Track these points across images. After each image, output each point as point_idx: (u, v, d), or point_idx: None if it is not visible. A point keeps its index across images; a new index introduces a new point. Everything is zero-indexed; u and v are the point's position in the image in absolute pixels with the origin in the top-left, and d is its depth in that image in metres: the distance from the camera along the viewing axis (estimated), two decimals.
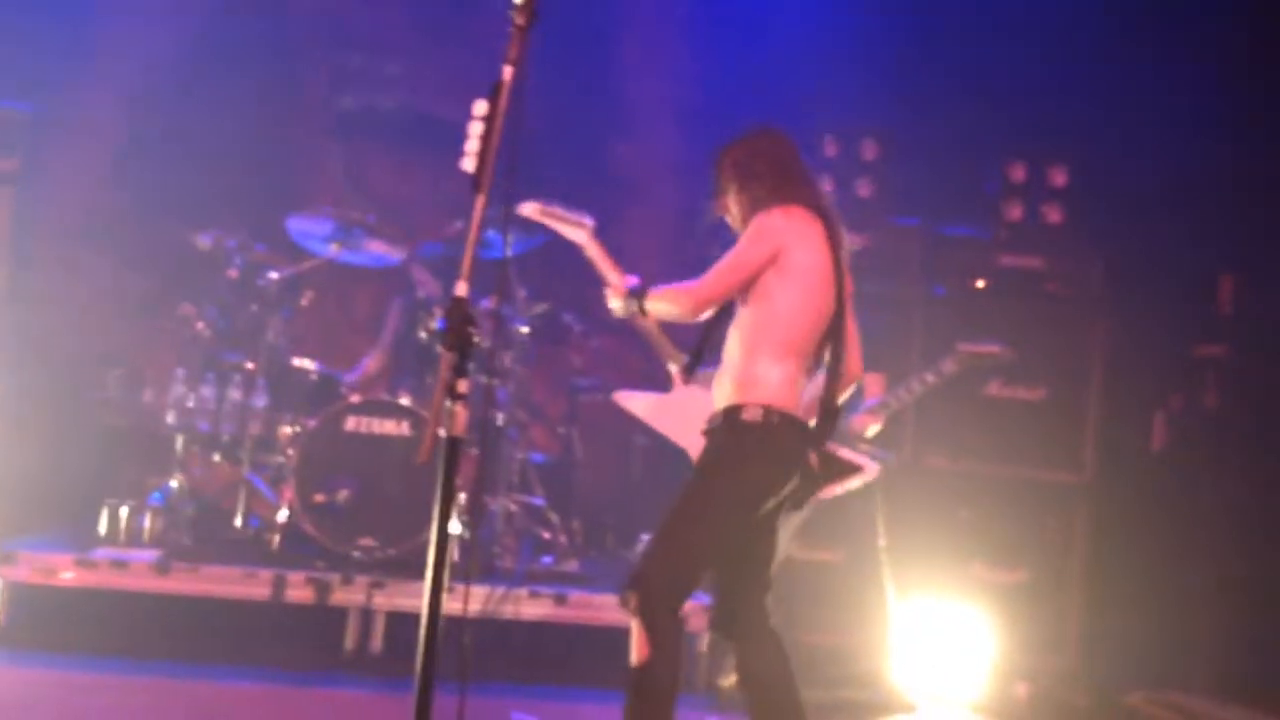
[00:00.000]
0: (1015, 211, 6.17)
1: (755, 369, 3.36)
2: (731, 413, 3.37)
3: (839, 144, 6.19)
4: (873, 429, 5.33)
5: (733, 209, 3.62)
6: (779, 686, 3.52)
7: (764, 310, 3.39)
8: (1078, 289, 6.17)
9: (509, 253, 5.65)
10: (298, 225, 5.72)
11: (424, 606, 2.52)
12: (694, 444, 3.56)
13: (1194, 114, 6.04)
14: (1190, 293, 6.37)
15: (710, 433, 3.43)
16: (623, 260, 3.66)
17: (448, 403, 2.15)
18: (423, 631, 2.46)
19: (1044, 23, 6.39)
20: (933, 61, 6.44)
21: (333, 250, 5.68)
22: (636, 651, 3.27)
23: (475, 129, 2.21)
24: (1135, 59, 6.13)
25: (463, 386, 2.14)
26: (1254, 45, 5.99)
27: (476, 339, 2.17)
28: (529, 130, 2.33)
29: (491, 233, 5.92)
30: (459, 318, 2.12)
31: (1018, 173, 6.18)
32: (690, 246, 5.47)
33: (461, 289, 2.16)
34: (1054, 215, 6.14)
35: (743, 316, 3.43)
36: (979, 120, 6.39)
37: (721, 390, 3.44)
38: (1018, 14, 6.36)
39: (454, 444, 2.34)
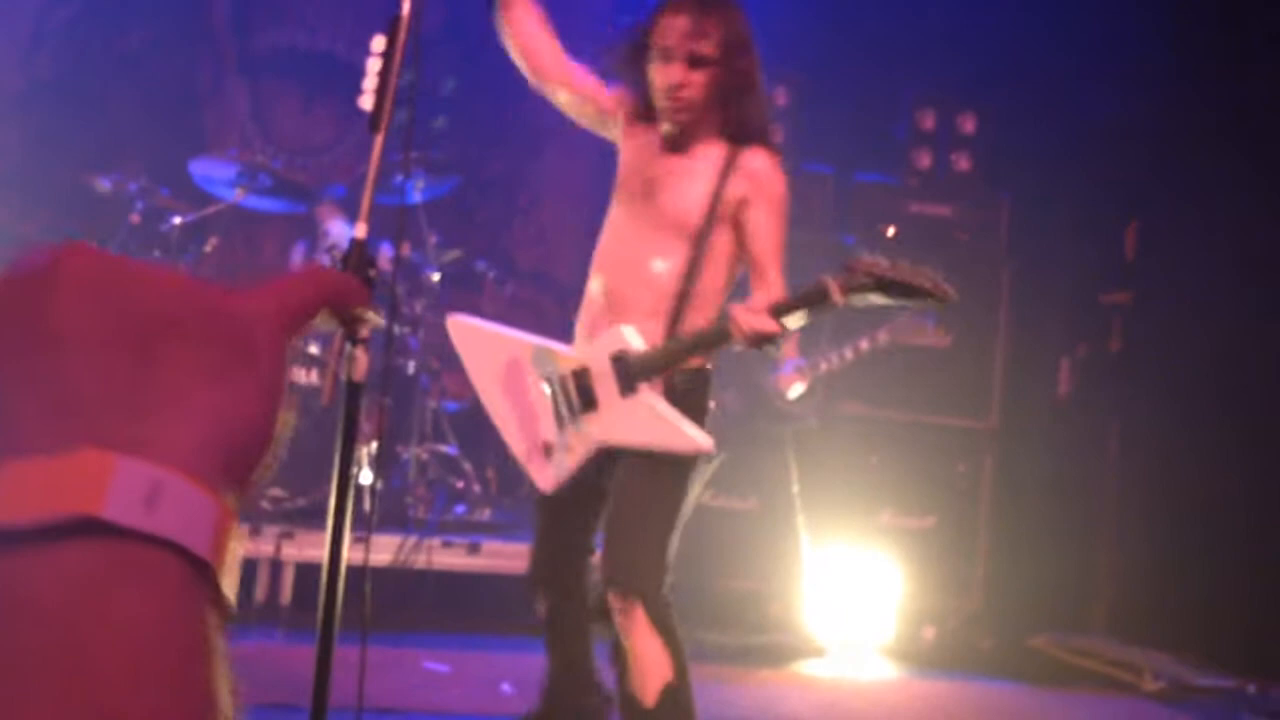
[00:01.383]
0: (925, 159, 6.20)
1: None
2: (702, 374, 3.08)
3: None
4: (797, 389, 5.36)
5: (693, 99, 2.99)
6: (580, 640, 3.21)
7: (729, 277, 3.10)
8: (986, 237, 6.24)
9: (417, 198, 5.57)
10: (201, 169, 5.59)
11: (325, 556, 2.49)
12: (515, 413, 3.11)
13: (1101, 63, 6.11)
14: (1096, 240, 6.47)
15: (682, 394, 3.02)
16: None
17: (348, 347, 2.11)
18: (324, 581, 2.43)
19: None
20: (845, 7, 6.42)
21: (237, 195, 5.55)
22: (652, 672, 2.85)
23: (373, 66, 2.16)
24: (1044, 7, 6.17)
25: (364, 331, 2.09)
26: None
27: (376, 281, 2.13)
28: (433, 70, 2.28)
29: (400, 177, 5.86)
30: (358, 260, 2.08)
31: (927, 120, 6.22)
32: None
33: (360, 230, 2.11)
34: (963, 163, 6.19)
35: (708, 277, 3.03)
36: (891, 67, 6.40)
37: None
38: None
39: (355, 390, 2.30)
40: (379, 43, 2.15)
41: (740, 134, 3.05)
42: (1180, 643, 5.65)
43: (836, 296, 2.79)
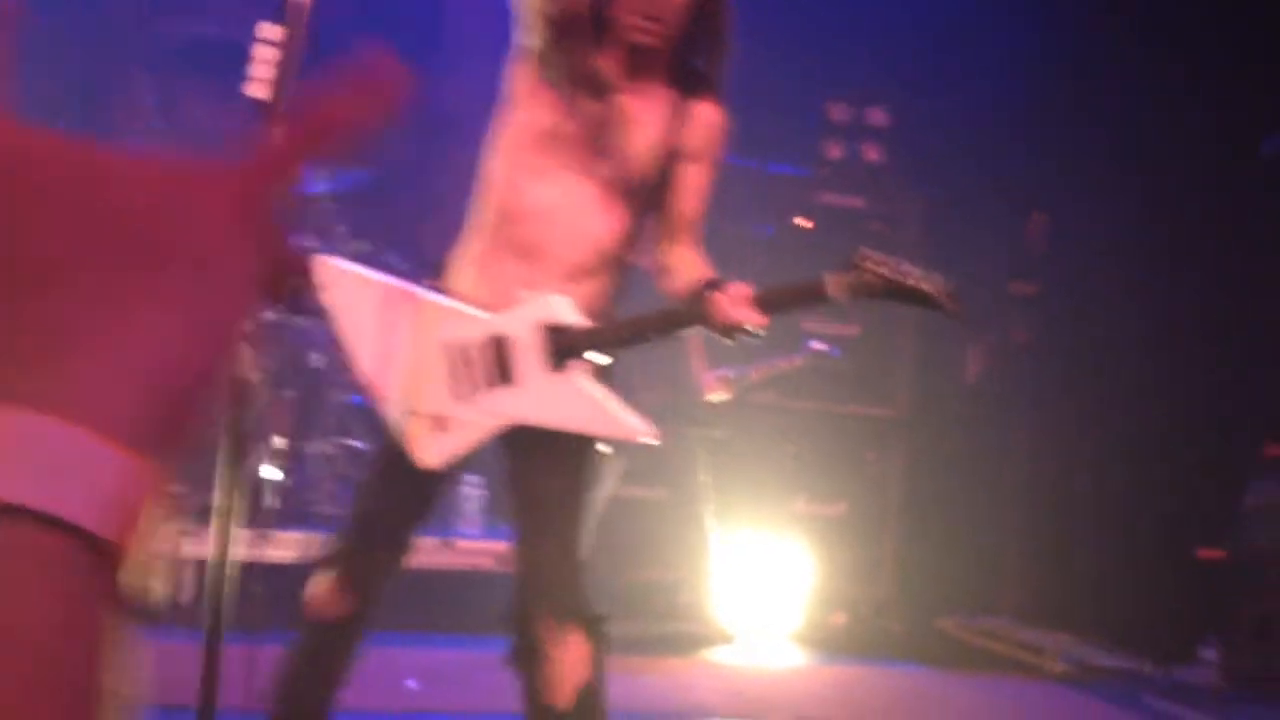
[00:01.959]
0: (835, 150, 6.25)
1: None
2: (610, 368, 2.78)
3: None
4: (719, 396, 5.42)
5: (670, 20, 2.65)
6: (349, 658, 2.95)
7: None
8: (898, 228, 6.31)
9: (321, 187, 5.52)
10: None
11: (210, 554, 2.47)
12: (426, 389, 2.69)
13: (1010, 55, 6.18)
14: (1004, 232, 6.55)
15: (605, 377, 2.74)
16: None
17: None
18: (209, 580, 2.40)
19: None
20: None
21: None
22: (571, 674, 2.65)
23: (262, 54, 2.14)
24: (953, 2, 6.24)
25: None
26: None
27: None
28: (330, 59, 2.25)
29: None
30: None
31: (838, 112, 6.26)
32: None
33: None
34: (873, 154, 6.25)
35: (620, 250, 2.76)
36: (800, 59, 6.44)
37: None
38: None
39: (241, 386, 2.27)
40: (269, 30, 2.12)
41: (693, 82, 2.74)
42: (1085, 625, 5.76)
43: (835, 295, 2.58)
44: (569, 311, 2.64)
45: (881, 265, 2.59)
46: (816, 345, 5.56)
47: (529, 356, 2.64)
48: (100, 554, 0.42)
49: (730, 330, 2.58)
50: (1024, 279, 6.52)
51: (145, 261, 0.40)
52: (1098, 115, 6.05)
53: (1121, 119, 5.97)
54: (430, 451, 2.69)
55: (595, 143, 2.67)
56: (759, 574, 5.56)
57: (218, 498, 2.41)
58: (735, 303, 2.56)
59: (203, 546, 4.95)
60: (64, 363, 0.39)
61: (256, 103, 2.18)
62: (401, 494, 2.78)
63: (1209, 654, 4.94)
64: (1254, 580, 4.82)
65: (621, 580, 5.61)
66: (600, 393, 2.65)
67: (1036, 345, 6.43)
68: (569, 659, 2.64)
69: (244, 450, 2.44)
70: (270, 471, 4.99)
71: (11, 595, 0.40)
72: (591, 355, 2.66)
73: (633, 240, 2.72)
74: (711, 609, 5.46)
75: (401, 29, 6.85)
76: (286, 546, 4.90)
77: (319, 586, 2.76)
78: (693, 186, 2.75)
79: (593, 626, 2.66)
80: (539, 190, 2.69)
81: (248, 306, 0.42)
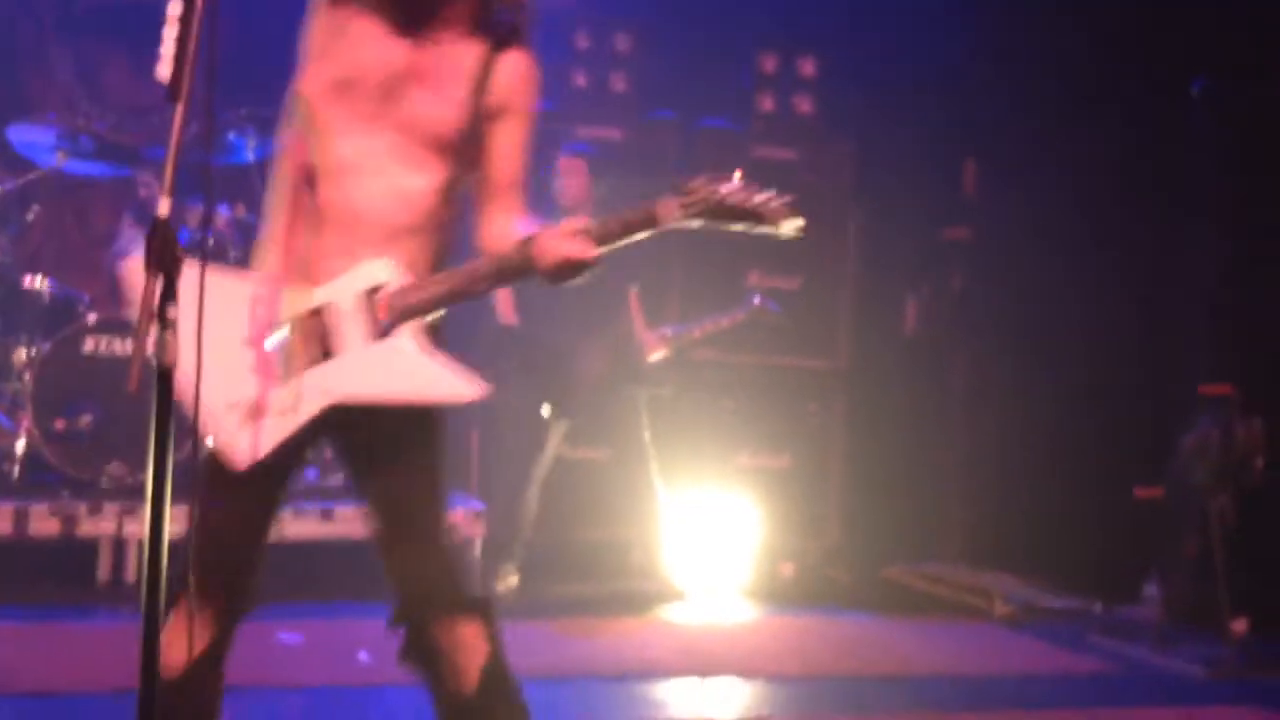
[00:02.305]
0: (767, 103, 6.23)
1: None
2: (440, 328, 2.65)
3: (592, 37, 6.13)
4: (658, 354, 5.41)
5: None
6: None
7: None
8: (830, 179, 6.31)
9: (250, 157, 5.41)
10: (20, 134, 5.34)
11: (145, 533, 2.39)
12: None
13: (938, 3, 6.17)
14: (937, 179, 6.58)
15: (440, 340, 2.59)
16: None
17: (157, 330, 2.01)
18: (145, 557, 2.30)
19: None
20: None
21: (59, 160, 5.32)
22: (470, 658, 2.52)
23: (169, 31, 2.05)
24: None
25: (173, 313, 2.00)
26: None
27: (181, 261, 2.02)
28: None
29: (233, 136, 5.67)
30: (162, 238, 1.98)
31: (769, 64, 6.23)
32: None
33: (164, 207, 2.01)
34: (804, 106, 6.23)
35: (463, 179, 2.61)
36: (731, 11, 6.39)
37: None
38: None
39: (165, 374, 2.19)
40: (175, 7, 2.04)
41: (499, 33, 2.59)
42: (1030, 567, 5.84)
43: (666, 219, 2.44)
44: (388, 272, 2.49)
45: (710, 191, 2.44)
46: (758, 300, 5.56)
47: (349, 326, 2.48)
48: None
49: (562, 269, 2.43)
50: (957, 224, 6.55)
51: None
52: (1029, 59, 6.07)
53: (1053, 63, 5.99)
54: (242, 446, 2.43)
55: (397, 100, 2.50)
56: (706, 530, 5.57)
57: (150, 473, 2.29)
58: (564, 239, 2.43)
59: (143, 527, 4.87)
60: None
61: (164, 83, 2.09)
62: (237, 507, 2.49)
63: (1152, 591, 5.03)
64: (1192, 517, 4.91)
65: (571, 541, 5.61)
66: (424, 354, 2.49)
67: (972, 292, 6.47)
68: (465, 645, 2.52)
69: (168, 443, 2.32)
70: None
71: None
72: (415, 316, 2.49)
73: (453, 198, 2.56)
74: (661, 567, 5.47)
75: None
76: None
77: (171, 635, 2.35)
78: (508, 145, 2.60)
79: (480, 607, 2.54)
80: (341, 146, 2.50)
81: None
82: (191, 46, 2.06)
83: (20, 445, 5.03)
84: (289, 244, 2.53)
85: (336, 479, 5.46)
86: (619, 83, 6.12)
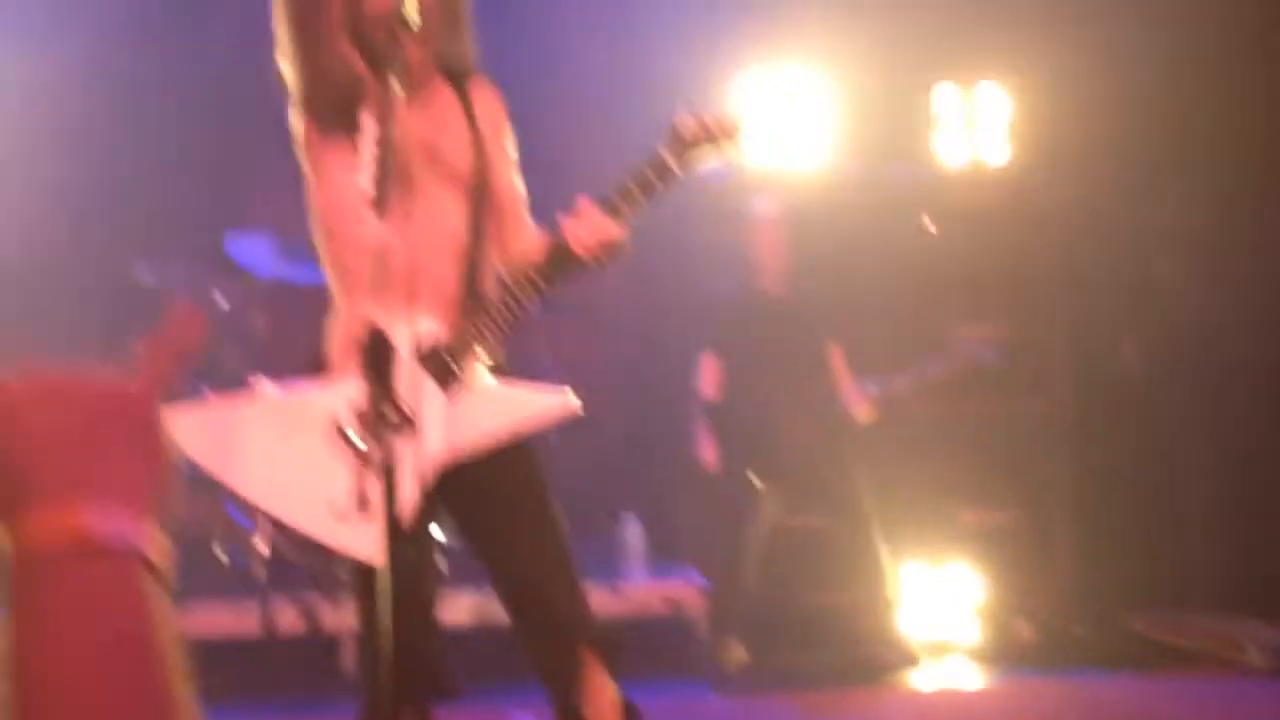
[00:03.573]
0: (958, 148, 6.12)
1: None
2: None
3: None
4: (866, 415, 5.30)
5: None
6: None
7: None
8: (1031, 221, 6.15)
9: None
10: (241, 247, 5.61)
11: (357, 624, 2.43)
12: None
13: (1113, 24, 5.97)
14: (1145, 210, 6.33)
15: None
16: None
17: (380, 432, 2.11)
18: (377, 651, 2.32)
19: None
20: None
21: (279, 268, 5.57)
22: (609, 705, 2.57)
23: (368, 149, 2.16)
24: None
25: (393, 414, 2.11)
26: None
27: (397, 363, 2.11)
28: None
29: None
30: (378, 346, 2.09)
31: (955, 104, 6.12)
32: None
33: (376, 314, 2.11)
34: (999, 148, 6.10)
35: (493, 229, 2.68)
36: (908, 44, 6.29)
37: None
38: None
39: (389, 474, 2.26)
40: (368, 121, 2.15)
41: (459, 67, 2.67)
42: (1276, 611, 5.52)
43: (676, 164, 2.50)
44: (432, 328, 2.51)
45: (699, 124, 2.54)
46: (968, 347, 5.42)
47: (421, 393, 2.45)
48: (156, 577, 0.86)
49: (597, 251, 2.48)
50: (1172, 257, 6.30)
51: (128, 423, 1.16)
52: None
53: None
54: (368, 543, 2.34)
55: (419, 161, 2.57)
56: (934, 590, 5.44)
57: (384, 569, 2.31)
58: (584, 221, 2.47)
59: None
60: (112, 473, 1.08)
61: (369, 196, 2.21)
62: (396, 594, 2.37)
63: None
64: None
65: (796, 609, 5.53)
66: (504, 388, 2.53)
67: (1193, 325, 6.20)
68: (603, 688, 2.54)
69: (396, 521, 2.35)
70: (438, 534, 5.01)
71: (114, 610, 0.85)
72: (476, 358, 2.53)
73: (482, 231, 2.61)
74: (891, 630, 5.34)
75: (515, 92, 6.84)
76: (460, 610, 4.93)
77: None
78: (501, 167, 2.67)
79: (605, 645, 2.57)
80: (371, 223, 2.39)
81: (163, 439, 0.96)
82: (390, 160, 2.15)
83: (260, 544, 5.23)
84: (348, 327, 2.63)
85: None
86: None
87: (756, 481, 5.27)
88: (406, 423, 2.38)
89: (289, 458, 2.43)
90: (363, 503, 2.36)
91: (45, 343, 6.18)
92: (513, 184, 2.71)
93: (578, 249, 2.48)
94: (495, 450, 2.51)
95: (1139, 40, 5.84)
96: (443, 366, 2.49)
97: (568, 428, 6.64)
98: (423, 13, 2.44)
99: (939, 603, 5.45)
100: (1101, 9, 5.76)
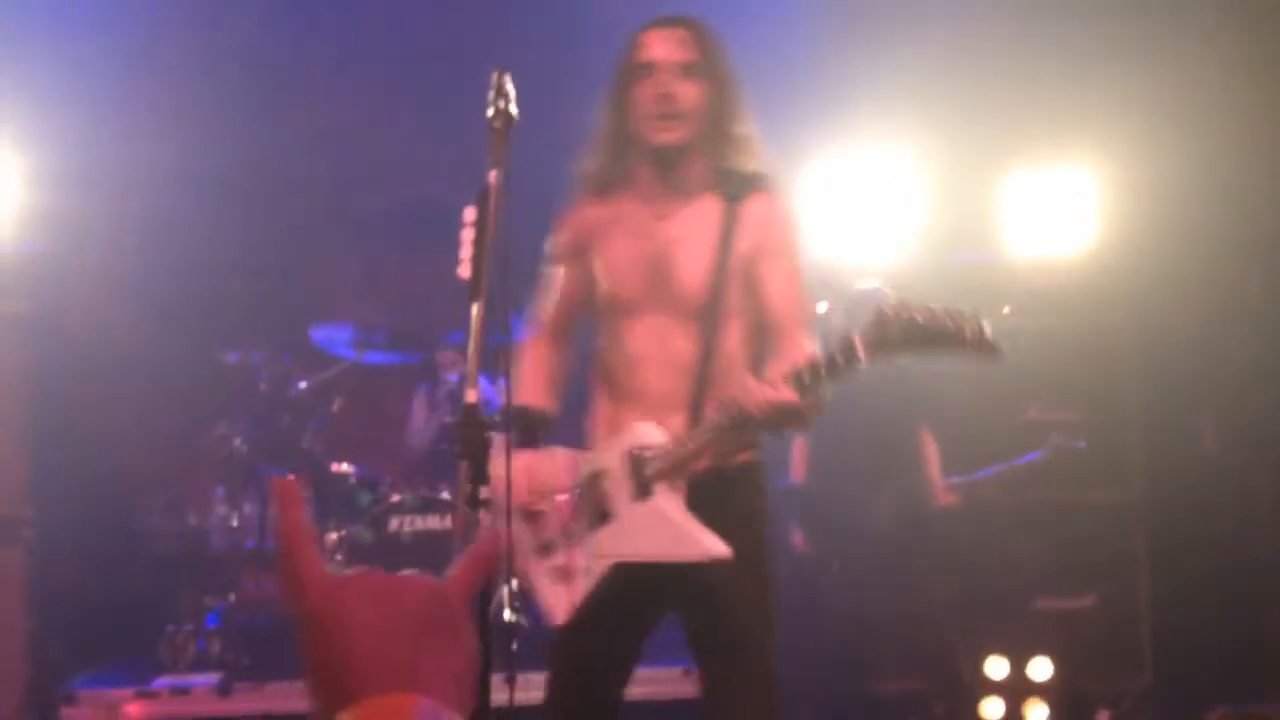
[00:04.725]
0: (1032, 232, 6.12)
1: None
2: (749, 469, 2.75)
3: None
4: (947, 505, 5.28)
5: (684, 109, 2.67)
6: None
7: (754, 348, 2.80)
8: (1106, 303, 6.11)
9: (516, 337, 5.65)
10: (321, 333, 5.78)
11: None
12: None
13: (1209, 115, 5.97)
14: (1220, 292, 6.27)
15: (726, 491, 2.69)
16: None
17: (470, 512, 2.14)
18: None
19: None
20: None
21: (357, 354, 5.72)
22: None
23: (466, 235, 2.22)
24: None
25: (484, 493, 2.13)
26: None
27: (491, 442, 2.15)
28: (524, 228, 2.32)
29: (512, 316, 5.98)
30: (469, 424, 2.12)
31: (1031, 190, 6.12)
32: None
33: (471, 396, 2.15)
34: (1074, 232, 6.10)
35: (727, 352, 2.71)
36: (978, 135, 6.32)
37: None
38: None
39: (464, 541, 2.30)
40: (469, 214, 2.21)
41: (734, 183, 2.72)
42: None
43: (864, 350, 2.39)
44: (650, 435, 2.60)
45: (907, 317, 2.40)
46: (1056, 438, 5.37)
47: (619, 489, 2.61)
48: None
49: (773, 416, 2.42)
50: (1248, 339, 6.22)
51: (447, 624, 0.94)
52: None
53: None
54: (557, 605, 2.64)
55: (652, 276, 2.68)
56: (1010, 678, 5.34)
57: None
58: (764, 384, 2.44)
59: None
60: (432, 670, 0.91)
61: (465, 282, 2.26)
62: (582, 644, 2.71)
63: None
64: None
65: (869, 693, 5.46)
66: (679, 515, 2.57)
67: (1275, 410, 6.10)
68: None
69: (485, 603, 2.43)
70: (509, 615, 5.05)
71: None
72: (677, 475, 2.59)
73: (711, 354, 2.66)
74: (966, 718, 5.26)
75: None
76: (533, 689, 4.93)
77: None
78: (771, 286, 2.67)
79: None
80: (614, 338, 2.74)
81: (475, 639, 0.94)
82: (487, 249, 2.22)
83: None
84: (599, 420, 2.75)
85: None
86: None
87: (836, 564, 5.26)
88: (600, 519, 2.60)
89: (538, 511, 2.68)
90: (562, 573, 2.62)
91: (133, 425, 6.43)
92: (781, 302, 2.67)
93: (756, 412, 2.46)
94: (717, 570, 2.59)
95: (1219, 122, 5.83)
96: (640, 476, 2.58)
97: None
98: (683, 109, 2.63)
99: (1016, 691, 5.35)
100: (1179, 90, 5.76)
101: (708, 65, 2.71)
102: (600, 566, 2.60)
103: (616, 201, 2.76)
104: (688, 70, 2.69)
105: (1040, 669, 5.40)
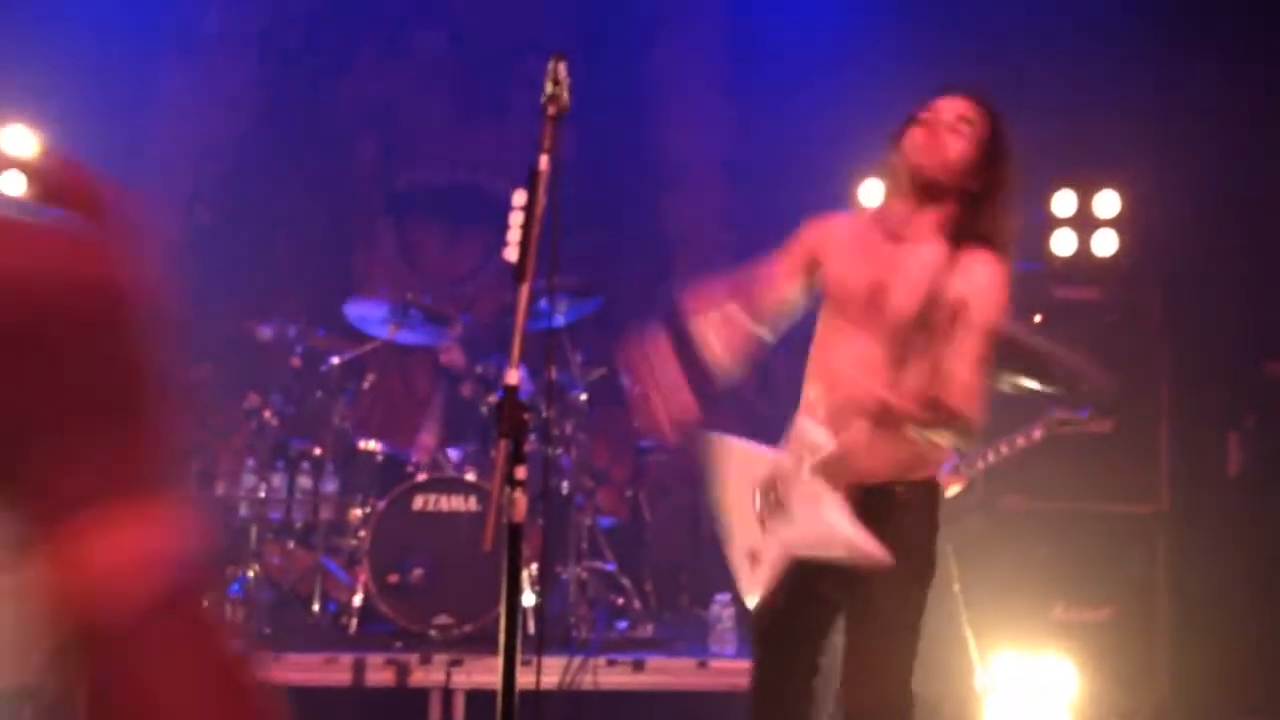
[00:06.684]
0: (1065, 243, 6.12)
1: None
2: (925, 487, 2.95)
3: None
4: (953, 489, 5.27)
5: (945, 158, 2.89)
6: None
7: None
8: (1138, 315, 6.10)
9: (560, 321, 5.69)
10: (356, 310, 5.81)
11: (499, 689, 2.51)
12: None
13: (1241, 129, 5.96)
14: (1257, 308, 6.26)
15: (900, 505, 2.88)
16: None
17: (507, 490, 2.17)
18: (500, 708, 2.43)
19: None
20: None
21: (390, 331, 5.75)
22: None
23: (515, 219, 2.24)
24: (1180, 82, 6.08)
25: (520, 473, 2.16)
26: None
27: (530, 426, 2.18)
28: (573, 196, 2.35)
29: (543, 302, 6.01)
30: (511, 406, 2.15)
31: (1066, 203, 6.13)
32: None
33: (513, 377, 2.18)
34: (1106, 244, 6.09)
35: (914, 377, 2.84)
36: (1026, 148, 6.34)
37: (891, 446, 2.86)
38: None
39: (515, 530, 2.35)
40: (519, 197, 2.23)
41: (965, 234, 2.85)
42: None
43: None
44: (820, 438, 2.77)
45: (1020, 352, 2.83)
46: (1058, 413, 5.31)
47: (792, 487, 2.84)
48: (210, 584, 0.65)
49: (876, 410, 2.70)
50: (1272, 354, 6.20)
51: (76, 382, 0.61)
52: None
53: None
54: (747, 586, 2.92)
55: (868, 297, 2.86)
56: (1024, 688, 5.35)
57: (501, 640, 2.43)
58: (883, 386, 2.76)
59: (469, 676, 5.07)
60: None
61: (512, 265, 2.30)
62: (774, 622, 2.96)
63: None
64: None
65: None
66: (837, 518, 2.75)
67: None
68: None
69: (519, 591, 2.49)
70: (527, 598, 5.09)
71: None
72: (839, 481, 2.78)
73: (899, 374, 2.81)
74: None
75: (638, 150, 7.07)
76: (547, 672, 4.98)
77: None
78: (951, 344, 2.80)
79: None
80: (821, 347, 2.98)
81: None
82: (534, 234, 2.25)
83: (357, 599, 5.36)
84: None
85: (646, 630, 5.57)
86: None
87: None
88: (778, 510, 2.86)
89: (739, 499, 2.97)
90: (753, 557, 2.90)
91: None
92: (949, 360, 2.80)
93: (864, 400, 2.77)
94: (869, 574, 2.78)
95: (1251, 140, 5.82)
96: (806, 476, 2.80)
97: (673, 510, 6.75)
98: (965, 155, 2.86)
99: (1029, 701, 5.35)
100: (1219, 110, 5.76)
101: (980, 133, 2.91)
102: (779, 555, 2.86)
103: (861, 219, 3.08)
104: (958, 128, 2.90)
105: (1056, 676, 5.40)
